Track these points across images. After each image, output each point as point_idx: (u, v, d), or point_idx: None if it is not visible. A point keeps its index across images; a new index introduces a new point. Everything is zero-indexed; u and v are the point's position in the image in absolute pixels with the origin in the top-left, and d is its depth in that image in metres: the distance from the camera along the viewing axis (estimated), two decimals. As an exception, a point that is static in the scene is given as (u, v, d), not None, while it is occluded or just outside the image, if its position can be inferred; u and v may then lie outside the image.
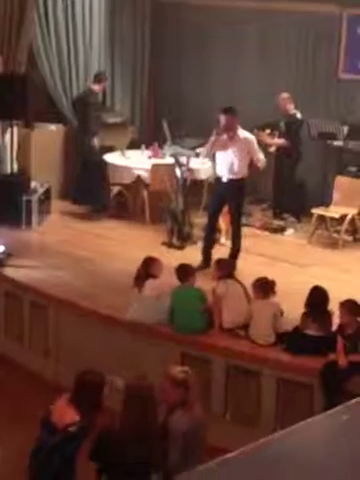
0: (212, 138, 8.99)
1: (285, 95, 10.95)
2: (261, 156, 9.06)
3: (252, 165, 9.05)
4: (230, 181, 9.00)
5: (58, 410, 5.18)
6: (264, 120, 10.95)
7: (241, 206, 9.43)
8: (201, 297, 7.67)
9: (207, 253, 9.21)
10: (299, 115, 10.91)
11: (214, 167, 9.32)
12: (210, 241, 9.36)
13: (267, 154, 10.48)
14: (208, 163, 10.35)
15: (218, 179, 9.19)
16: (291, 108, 10.93)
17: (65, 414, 5.12)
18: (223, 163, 9.00)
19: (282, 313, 7.48)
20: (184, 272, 7.75)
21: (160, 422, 5.23)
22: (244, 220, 9.91)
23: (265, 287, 7.54)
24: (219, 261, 7.98)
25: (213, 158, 9.20)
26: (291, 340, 7.29)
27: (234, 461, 0.91)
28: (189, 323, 7.58)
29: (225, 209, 9.41)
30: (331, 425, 1.09)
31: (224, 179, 9.04)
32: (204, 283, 7.87)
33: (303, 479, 0.88)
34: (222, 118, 8.85)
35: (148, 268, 7.76)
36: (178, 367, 5.83)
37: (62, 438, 5.04)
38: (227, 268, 7.90)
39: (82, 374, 5.43)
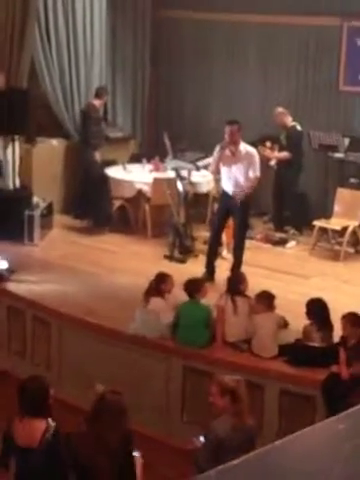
0: (216, 153, 9.06)
1: (280, 109, 10.97)
2: (257, 172, 9.05)
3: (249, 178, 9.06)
4: (236, 194, 9.02)
5: (23, 431, 5.08)
6: (265, 133, 10.96)
7: (247, 219, 9.47)
8: (208, 314, 7.67)
9: (211, 266, 9.23)
10: (299, 127, 10.93)
11: (218, 181, 9.33)
12: (214, 254, 9.38)
13: (268, 167, 10.53)
14: (209, 176, 10.37)
15: (224, 193, 9.22)
16: (289, 121, 10.94)
17: (34, 431, 5.05)
18: (228, 178, 9.04)
19: (287, 325, 7.49)
20: (193, 287, 7.74)
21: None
22: (248, 234, 9.90)
23: (268, 300, 7.57)
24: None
25: (218, 173, 9.22)
26: (294, 352, 7.31)
27: (235, 469, 0.92)
28: (193, 338, 7.59)
29: (228, 222, 9.44)
30: (328, 433, 1.10)
31: (230, 193, 9.08)
32: (208, 296, 7.85)
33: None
34: (227, 129, 8.89)
35: (160, 284, 7.80)
36: (230, 376, 5.85)
37: (45, 452, 5.01)
38: (242, 285, 7.89)
39: (26, 383, 5.35)
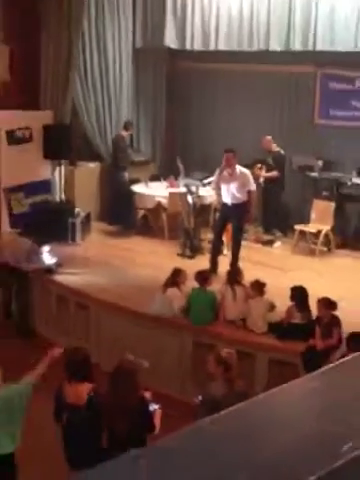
0: (216, 175, 9.10)
1: (268, 137, 10.98)
2: (253, 187, 9.12)
3: (248, 193, 9.09)
4: (233, 205, 9.06)
5: (72, 392, 5.08)
6: (255, 157, 10.98)
7: (242, 224, 9.45)
8: (213, 298, 7.73)
9: (214, 261, 9.23)
10: (282, 152, 10.94)
11: (219, 195, 9.35)
12: (217, 252, 9.38)
13: (257, 184, 10.54)
14: (212, 191, 10.39)
15: (224, 204, 9.23)
16: (274, 147, 10.95)
17: (80, 392, 5.04)
18: (226, 193, 9.07)
19: (274, 307, 7.51)
20: (202, 277, 7.81)
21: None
22: (243, 236, 9.91)
23: (259, 288, 7.59)
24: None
25: (219, 189, 9.24)
26: (280, 328, 7.32)
27: (225, 417, 0.94)
28: (202, 317, 7.63)
29: (227, 227, 9.47)
30: (304, 389, 1.12)
31: (229, 204, 9.10)
32: (212, 285, 7.90)
33: (278, 432, 0.91)
34: (225, 156, 8.93)
35: (176, 277, 7.84)
36: (225, 349, 5.85)
37: (89, 409, 5.01)
38: (239, 277, 7.94)
39: (72, 354, 5.35)
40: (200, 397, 5.32)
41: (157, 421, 5.05)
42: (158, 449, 0.84)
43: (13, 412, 4.99)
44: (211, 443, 0.85)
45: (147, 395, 5.11)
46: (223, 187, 9.08)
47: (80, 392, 5.04)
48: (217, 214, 10.00)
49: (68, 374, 5.13)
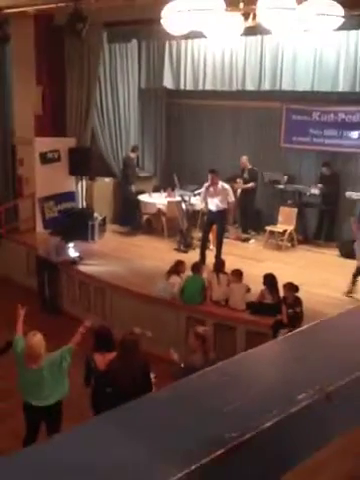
0: (203, 190, 9.18)
1: (244, 158, 10.95)
2: (232, 199, 9.12)
3: (228, 203, 9.11)
4: (217, 212, 9.06)
5: (101, 360, 5.04)
6: (234, 173, 10.97)
7: (224, 226, 9.45)
8: (203, 283, 7.72)
9: (203, 254, 9.22)
10: (255, 168, 10.95)
11: (206, 205, 9.34)
12: (204, 247, 9.36)
13: (236, 194, 10.56)
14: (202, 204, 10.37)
15: (210, 211, 9.23)
16: (248, 165, 10.95)
17: (107, 359, 5.03)
18: (212, 203, 9.07)
19: (249, 290, 7.51)
20: (196, 267, 7.87)
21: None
22: (225, 235, 9.90)
23: (238, 275, 7.59)
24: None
25: (205, 201, 9.24)
26: (255, 307, 7.33)
27: (204, 374, 0.93)
28: (193, 298, 7.62)
29: (212, 228, 9.46)
30: (271, 350, 1.11)
31: (213, 211, 9.10)
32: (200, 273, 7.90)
33: (246, 386, 0.89)
34: (209, 176, 8.97)
35: (178, 266, 7.87)
36: (201, 326, 5.81)
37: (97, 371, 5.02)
38: (222, 267, 7.94)
39: (100, 330, 5.34)
40: (182, 364, 5.27)
41: (153, 383, 5.01)
42: (146, 400, 0.82)
43: (59, 371, 5.01)
44: (187, 397, 0.83)
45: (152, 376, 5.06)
46: (209, 199, 9.12)
47: (107, 359, 5.03)
48: (205, 218, 9.97)
49: (98, 345, 5.12)
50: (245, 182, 10.96)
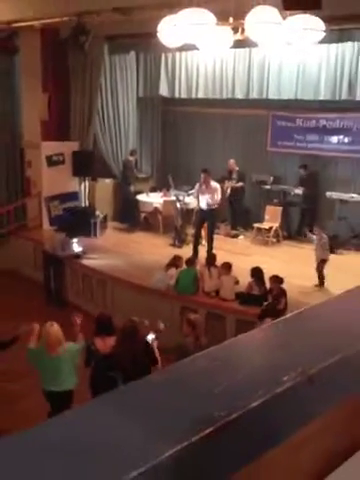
0: (196, 188, 9.15)
1: (232, 161, 10.94)
2: (219, 196, 9.09)
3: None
4: (207, 209, 9.04)
5: (101, 344, 5.07)
6: (223, 174, 10.95)
7: (215, 223, 9.43)
8: (196, 276, 7.71)
9: (195, 249, 9.21)
10: (242, 170, 10.93)
11: (198, 203, 9.34)
12: (197, 243, 9.35)
13: (226, 193, 10.58)
14: (194, 200, 10.37)
15: (201, 209, 9.22)
16: (236, 167, 10.92)
17: (107, 343, 5.04)
18: (203, 201, 9.06)
19: (238, 282, 7.50)
20: (189, 261, 7.89)
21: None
22: (215, 231, 9.89)
23: (228, 268, 7.58)
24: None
25: (198, 199, 9.23)
26: (243, 297, 7.32)
27: (200, 357, 0.92)
28: (186, 289, 7.61)
29: (204, 225, 9.45)
30: (259, 336, 1.11)
31: (204, 208, 9.08)
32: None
33: (235, 368, 0.88)
34: (201, 175, 8.94)
35: (176, 261, 7.89)
36: (193, 314, 5.82)
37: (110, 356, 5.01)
38: (213, 260, 7.94)
39: (101, 316, 5.35)
40: (162, 325, 5.33)
41: (157, 353, 5.00)
42: (141, 383, 0.81)
43: (73, 361, 5.06)
44: (179, 380, 0.82)
45: (149, 338, 5.05)
46: (200, 197, 9.09)
47: (107, 343, 5.04)
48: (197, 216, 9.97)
49: (98, 330, 5.13)
50: (235, 182, 10.96)
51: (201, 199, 9.09)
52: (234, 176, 10.95)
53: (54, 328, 4.99)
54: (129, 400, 0.77)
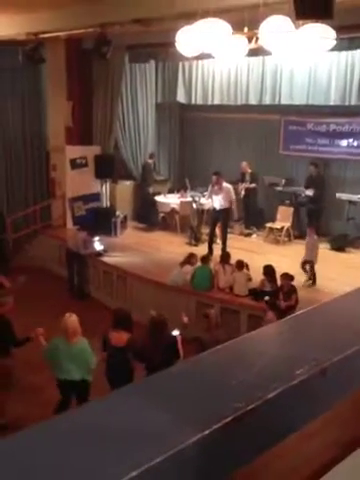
0: (209, 190, 9.15)
1: (244, 163, 10.86)
2: (233, 196, 9.10)
3: (230, 201, 9.10)
4: (220, 210, 9.04)
5: (116, 337, 5.07)
6: (238, 177, 10.92)
7: (228, 222, 9.40)
8: (210, 272, 7.71)
9: (210, 248, 9.21)
10: (255, 172, 10.88)
11: (211, 201, 9.33)
12: (212, 241, 9.34)
13: (240, 195, 10.55)
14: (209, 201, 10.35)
15: (214, 209, 9.22)
16: (248, 169, 10.86)
17: (121, 337, 5.04)
18: (216, 201, 9.07)
19: (251, 279, 7.48)
20: (204, 259, 7.89)
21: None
22: (229, 230, 9.85)
23: (242, 265, 7.56)
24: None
25: (211, 198, 9.22)
26: (256, 293, 7.30)
27: (217, 351, 0.93)
28: (202, 285, 7.61)
29: (218, 224, 9.44)
30: (270, 331, 1.11)
31: (217, 208, 9.07)
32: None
33: (251, 361, 0.89)
34: (214, 177, 8.95)
35: (191, 258, 7.87)
36: (210, 309, 5.86)
37: (126, 350, 5.01)
38: (227, 258, 7.91)
39: (118, 311, 5.34)
40: (186, 318, 5.34)
41: (180, 347, 4.99)
42: (165, 374, 0.82)
43: (88, 354, 5.02)
44: (199, 372, 0.83)
45: (174, 333, 5.06)
46: (214, 197, 9.09)
47: (121, 337, 5.04)
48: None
49: (114, 324, 5.12)
50: (248, 183, 10.92)
51: (214, 200, 9.10)
52: (247, 178, 10.91)
53: (72, 318, 5.02)
54: (153, 391, 0.78)
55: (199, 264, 7.84)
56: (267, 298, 6.84)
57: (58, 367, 5.06)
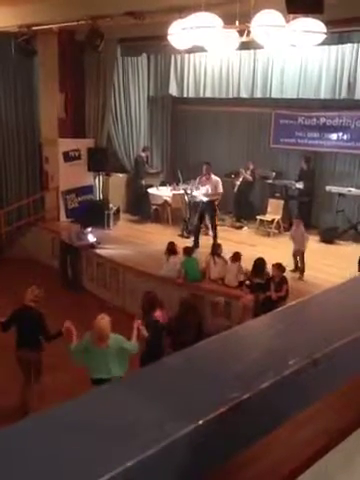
0: (198, 178, 9.21)
1: (250, 162, 10.74)
2: (221, 190, 9.03)
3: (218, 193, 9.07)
4: (206, 202, 9.04)
5: (160, 316, 5.34)
6: (230, 169, 10.90)
7: (214, 214, 9.34)
8: (197, 262, 7.71)
9: (196, 239, 9.19)
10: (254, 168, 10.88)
11: (197, 190, 9.32)
12: (198, 233, 9.28)
13: (233, 188, 10.52)
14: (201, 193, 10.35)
15: (201, 201, 9.18)
16: (251, 166, 10.76)
17: (164, 315, 5.36)
18: (202, 191, 9.06)
19: (242, 270, 7.49)
20: (187, 250, 7.86)
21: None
22: (221, 223, 9.84)
23: (234, 256, 7.57)
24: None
25: (197, 188, 9.21)
26: (247, 285, 7.31)
27: (211, 343, 0.92)
28: (193, 276, 7.61)
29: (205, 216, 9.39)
30: (261, 323, 1.11)
31: (203, 201, 9.08)
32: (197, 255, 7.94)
33: (245, 351, 0.89)
34: (204, 167, 8.94)
35: (171, 247, 7.82)
36: (217, 297, 6.02)
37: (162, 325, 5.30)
38: (218, 250, 7.91)
39: (147, 295, 5.61)
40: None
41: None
42: (159, 365, 0.82)
43: (122, 353, 4.77)
44: (194, 363, 0.83)
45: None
46: (201, 187, 9.06)
47: (164, 315, 5.33)
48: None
49: (151, 306, 5.36)
50: (245, 177, 10.90)
51: (202, 190, 9.05)
52: (248, 172, 10.88)
53: (105, 321, 4.66)
54: (146, 382, 0.78)
55: (182, 257, 7.79)
56: (248, 282, 6.91)
57: (91, 368, 4.75)
